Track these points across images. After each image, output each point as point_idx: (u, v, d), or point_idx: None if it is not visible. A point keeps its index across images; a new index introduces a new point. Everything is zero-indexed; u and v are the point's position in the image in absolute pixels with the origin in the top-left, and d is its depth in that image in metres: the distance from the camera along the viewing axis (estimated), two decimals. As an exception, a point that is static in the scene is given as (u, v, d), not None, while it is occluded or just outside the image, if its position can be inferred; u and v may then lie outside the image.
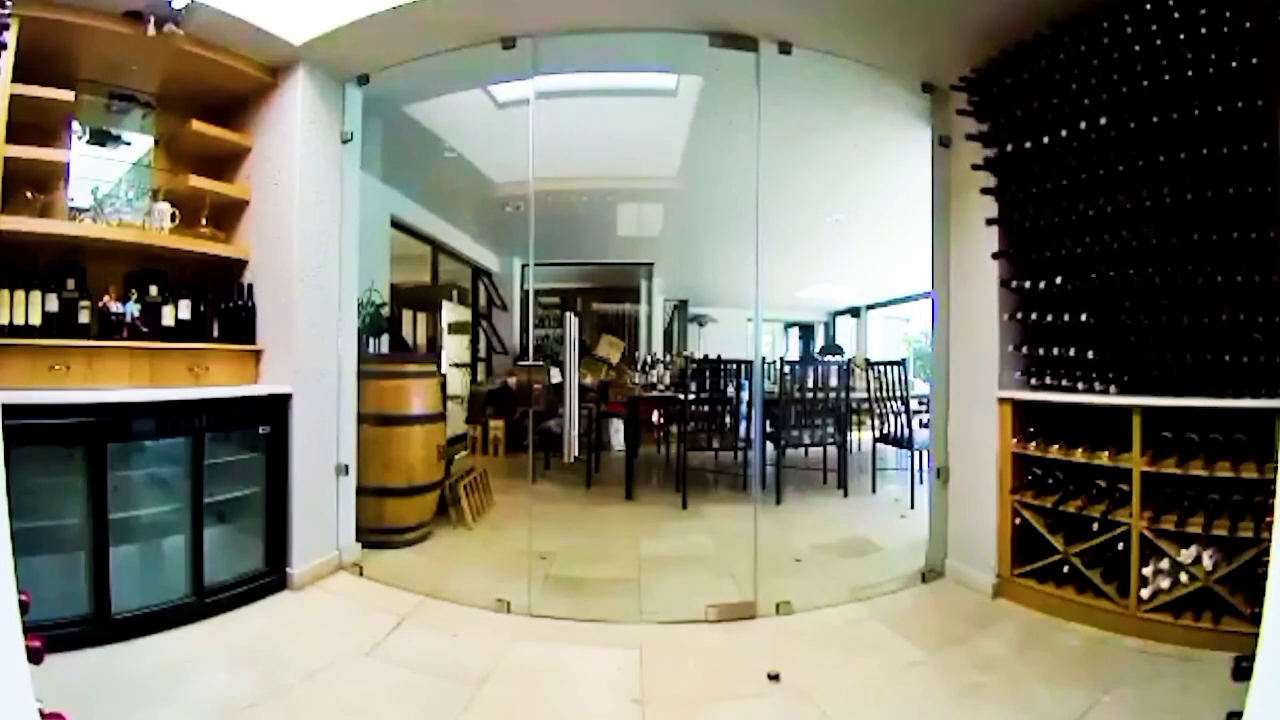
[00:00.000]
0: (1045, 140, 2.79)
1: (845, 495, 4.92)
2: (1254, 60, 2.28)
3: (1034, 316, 2.90)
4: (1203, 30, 2.37)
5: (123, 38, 2.64)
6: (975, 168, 3.08)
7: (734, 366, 4.96)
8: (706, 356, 5.14)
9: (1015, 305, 3.00)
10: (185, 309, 3.03)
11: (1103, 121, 2.63)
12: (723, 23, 2.89)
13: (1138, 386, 2.62)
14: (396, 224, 5.18)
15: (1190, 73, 2.42)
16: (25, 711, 1.09)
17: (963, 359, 3.24)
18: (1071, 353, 2.80)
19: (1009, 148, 2.94)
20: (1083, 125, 2.68)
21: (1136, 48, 2.50)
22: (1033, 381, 2.97)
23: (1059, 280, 2.82)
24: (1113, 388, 2.69)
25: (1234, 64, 2.32)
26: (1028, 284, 2.92)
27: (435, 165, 4.88)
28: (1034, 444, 2.90)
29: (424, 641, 2.57)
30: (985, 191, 3.03)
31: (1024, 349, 2.99)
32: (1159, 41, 2.46)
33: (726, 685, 2.28)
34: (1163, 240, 2.55)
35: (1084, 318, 2.75)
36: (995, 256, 3.00)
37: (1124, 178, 2.64)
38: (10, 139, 2.40)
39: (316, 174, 3.24)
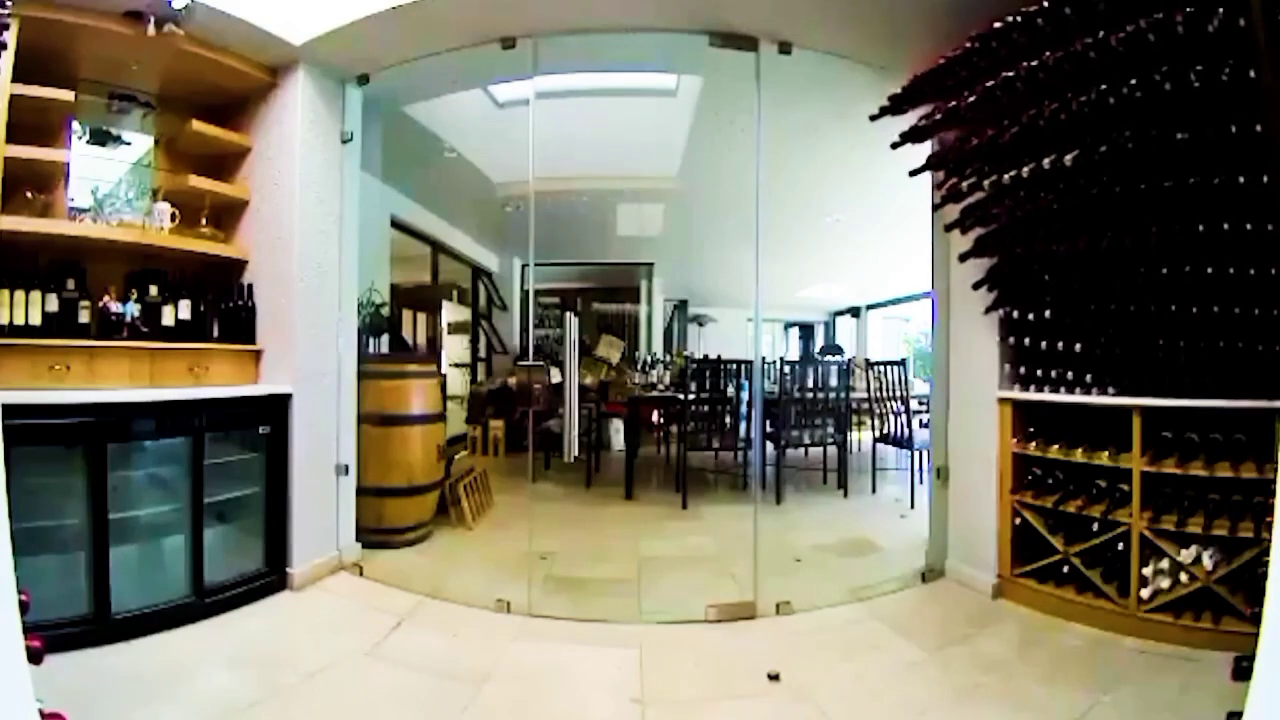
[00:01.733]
0: (1003, 179, 2.55)
1: (845, 495, 4.92)
2: (1250, 74, 1.88)
3: (1026, 342, 2.88)
4: (1179, 29, 1.92)
5: (123, 38, 2.64)
6: (936, 207, 3.00)
7: (734, 366, 4.96)
8: (706, 356, 5.14)
9: (1006, 330, 2.99)
10: (185, 309, 3.03)
11: (1067, 160, 2.29)
12: (723, 23, 2.90)
13: (1137, 388, 2.62)
14: (396, 224, 5.18)
15: (1168, 87, 2.01)
16: (25, 711, 1.09)
17: (963, 359, 3.24)
18: (1070, 374, 2.78)
19: (964, 185, 2.77)
20: (1045, 163, 2.35)
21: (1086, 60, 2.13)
22: (1034, 381, 2.96)
23: (1047, 314, 2.78)
24: (1111, 388, 2.68)
25: (1224, 77, 1.95)
26: (1015, 314, 2.91)
27: (435, 165, 4.88)
28: (1034, 444, 2.90)
29: (424, 641, 2.57)
30: (949, 228, 2.95)
31: (1021, 368, 2.96)
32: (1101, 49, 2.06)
33: (726, 685, 2.28)
34: (1150, 273, 2.44)
35: (1077, 348, 2.71)
36: (975, 286, 2.97)
37: (1096, 215, 2.42)
38: (10, 139, 2.40)
39: (316, 174, 3.24)
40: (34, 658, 1.16)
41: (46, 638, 1.27)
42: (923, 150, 2.97)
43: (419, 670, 2.33)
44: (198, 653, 2.38)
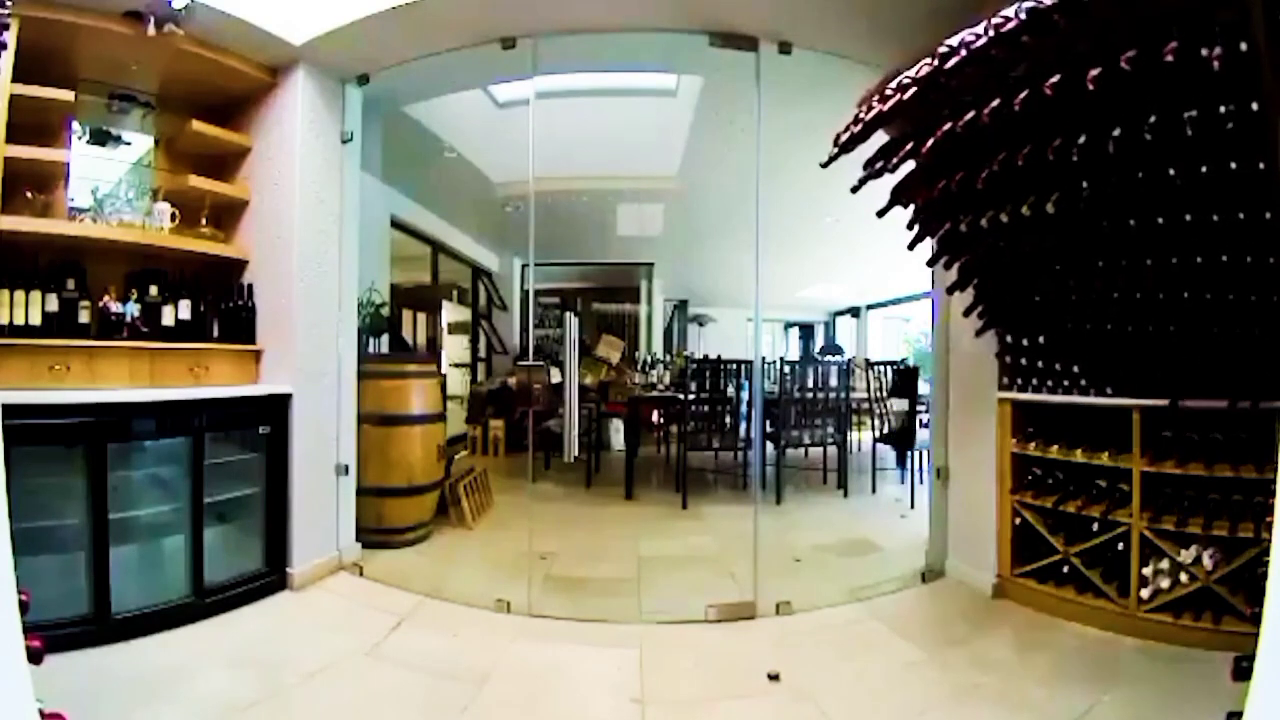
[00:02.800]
0: (981, 223, 2.28)
1: (845, 495, 4.92)
2: (1253, 106, 1.60)
3: (1023, 361, 2.88)
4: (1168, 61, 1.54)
5: (123, 38, 2.64)
6: (911, 246, 2.75)
7: (734, 366, 4.96)
8: (706, 356, 5.14)
9: (1002, 348, 2.98)
10: (185, 309, 3.03)
11: (1049, 207, 2.03)
12: (723, 23, 2.90)
13: (1136, 391, 2.61)
14: (396, 224, 5.18)
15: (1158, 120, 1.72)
16: (25, 711, 1.09)
17: (962, 359, 3.24)
18: (1067, 378, 2.79)
19: (921, 229, 2.61)
20: (1024, 209, 2.09)
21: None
22: (1033, 382, 2.95)
23: (1040, 339, 2.78)
24: (1109, 389, 2.68)
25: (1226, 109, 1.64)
26: (1009, 338, 2.90)
27: (435, 165, 4.88)
28: (1034, 444, 2.90)
29: (424, 641, 2.57)
30: (930, 263, 2.85)
31: (1020, 370, 2.95)
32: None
33: (726, 685, 2.28)
34: (1146, 299, 2.33)
35: (1075, 368, 2.72)
36: (966, 313, 2.89)
37: (1084, 255, 2.28)
38: (10, 139, 2.40)
39: (316, 174, 3.24)
40: (34, 658, 1.16)
41: (46, 638, 1.27)
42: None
43: (419, 670, 2.33)
44: (198, 653, 2.38)
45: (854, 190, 2.50)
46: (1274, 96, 1.48)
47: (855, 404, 5.23)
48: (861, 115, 2.29)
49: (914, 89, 2.05)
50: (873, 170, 2.41)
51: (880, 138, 2.40)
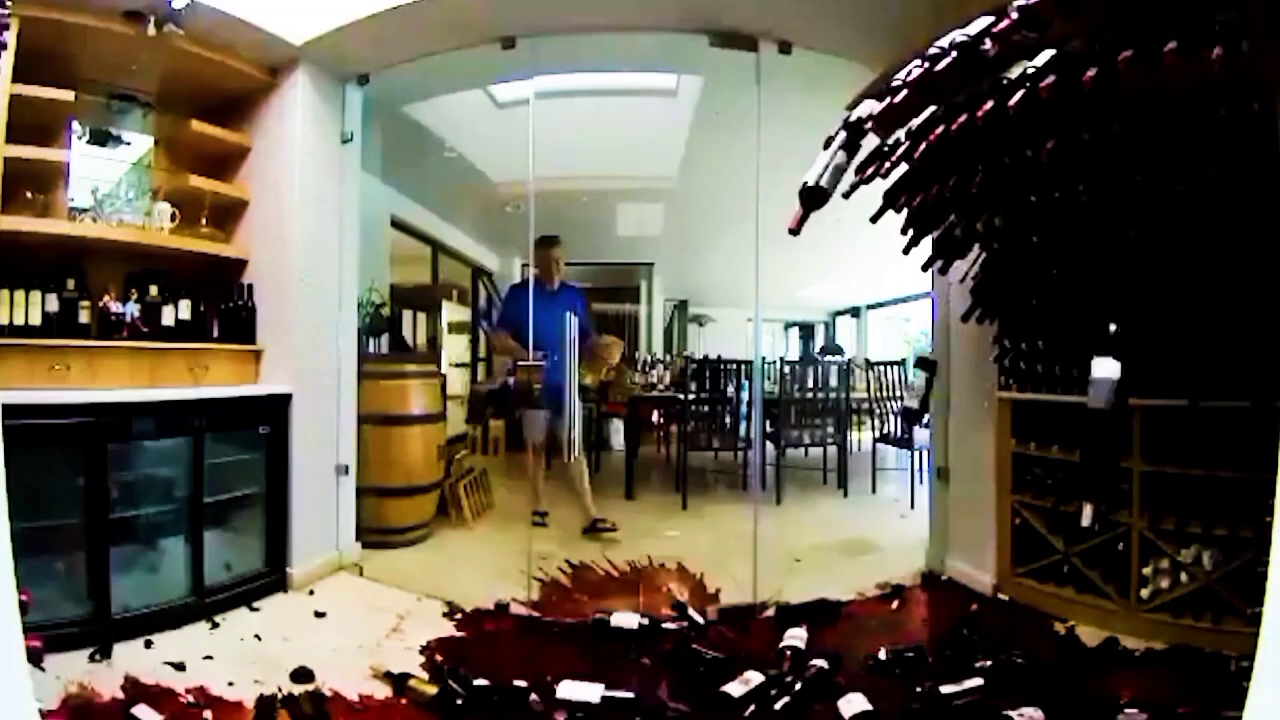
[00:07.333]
0: (977, 226, 2.30)
1: (845, 495, 4.92)
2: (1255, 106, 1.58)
3: (1022, 364, 2.88)
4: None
5: (123, 38, 2.64)
6: (906, 250, 2.60)
7: (734, 366, 4.96)
8: (706, 356, 5.14)
9: (1001, 350, 2.96)
10: (185, 309, 3.03)
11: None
12: (723, 23, 2.89)
13: (1137, 390, 2.60)
14: (396, 224, 5.18)
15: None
16: (25, 711, 1.09)
17: (962, 359, 3.24)
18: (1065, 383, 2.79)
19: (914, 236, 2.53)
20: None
21: None
22: (1033, 381, 2.94)
23: (1040, 344, 2.78)
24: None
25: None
26: (1007, 341, 2.90)
27: (435, 165, 4.88)
28: (1033, 444, 2.90)
29: (424, 641, 2.57)
30: (924, 267, 2.74)
31: (1019, 369, 2.95)
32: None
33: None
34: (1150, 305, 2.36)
35: (1075, 372, 2.71)
36: (964, 319, 2.83)
37: (1084, 262, 2.31)
38: (10, 139, 2.39)
39: (316, 174, 3.24)
40: (34, 658, 1.17)
41: (46, 638, 1.27)
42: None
43: (419, 670, 2.33)
44: (197, 653, 2.37)
45: (845, 196, 2.41)
46: (1276, 97, 1.47)
47: (855, 404, 5.23)
48: (851, 120, 2.25)
49: (905, 93, 2.02)
50: (864, 176, 2.38)
51: (872, 141, 2.32)
